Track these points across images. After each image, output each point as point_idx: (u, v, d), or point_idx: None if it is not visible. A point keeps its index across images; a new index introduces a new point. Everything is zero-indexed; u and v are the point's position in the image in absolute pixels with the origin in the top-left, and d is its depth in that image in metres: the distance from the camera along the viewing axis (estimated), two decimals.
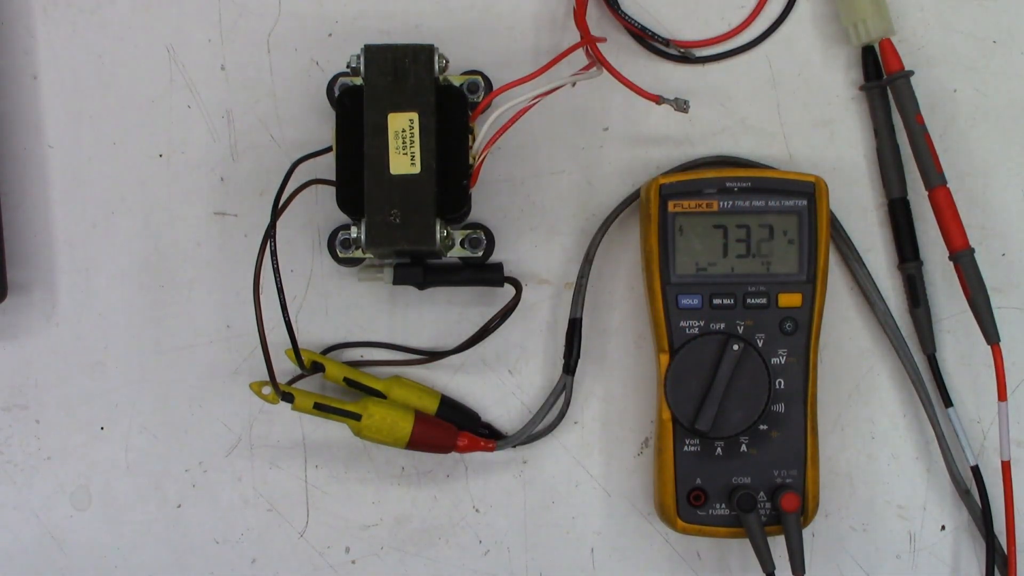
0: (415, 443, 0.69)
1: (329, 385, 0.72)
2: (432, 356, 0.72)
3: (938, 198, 0.70)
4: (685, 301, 0.68)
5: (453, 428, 0.70)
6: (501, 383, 0.72)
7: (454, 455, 0.72)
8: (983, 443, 0.72)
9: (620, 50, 0.72)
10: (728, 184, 0.68)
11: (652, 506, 0.72)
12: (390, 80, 0.64)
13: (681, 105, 0.68)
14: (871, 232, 0.72)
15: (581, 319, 0.70)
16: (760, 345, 0.68)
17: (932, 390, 0.72)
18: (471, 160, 0.66)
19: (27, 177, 0.72)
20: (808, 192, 0.68)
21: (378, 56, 0.64)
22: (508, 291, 0.70)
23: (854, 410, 0.72)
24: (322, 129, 0.72)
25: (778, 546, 0.68)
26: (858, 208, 0.72)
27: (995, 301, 0.70)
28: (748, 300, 0.68)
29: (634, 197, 0.71)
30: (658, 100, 0.68)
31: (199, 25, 0.72)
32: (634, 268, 0.72)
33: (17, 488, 0.72)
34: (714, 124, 0.72)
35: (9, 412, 0.72)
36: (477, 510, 0.73)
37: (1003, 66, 0.73)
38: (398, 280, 0.69)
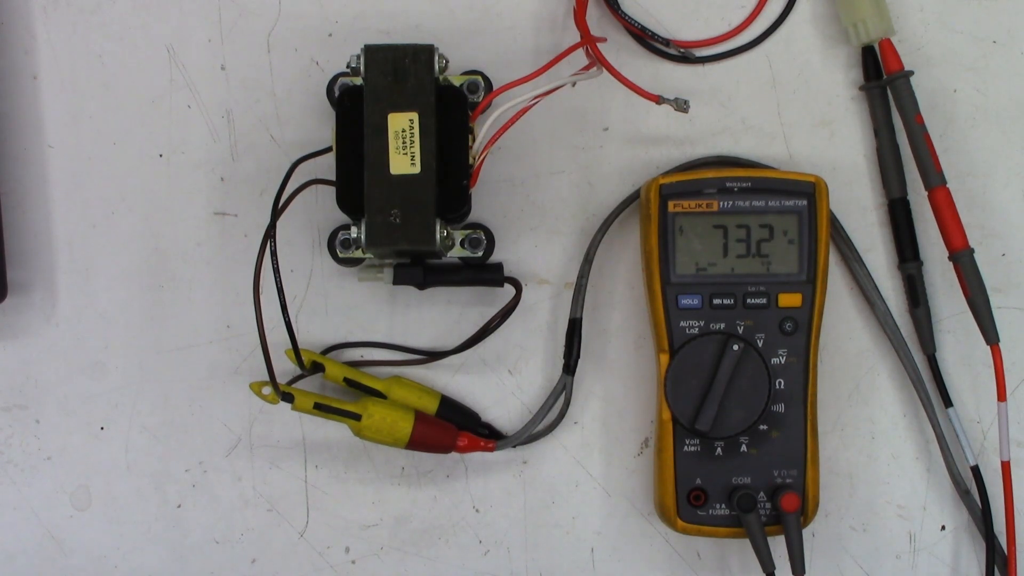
0: (415, 443, 0.69)
1: (329, 385, 0.72)
2: (432, 356, 0.72)
3: (938, 198, 0.70)
4: (685, 301, 0.68)
5: (453, 428, 0.70)
6: (501, 383, 0.72)
7: (454, 455, 0.72)
8: (983, 443, 0.72)
9: (620, 50, 0.72)
10: (728, 184, 0.68)
11: (652, 506, 0.72)
12: (390, 80, 0.64)
13: (681, 105, 0.68)
14: (871, 232, 0.72)
15: (581, 319, 0.70)
16: (760, 345, 0.68)
17: (932, 390, 0.72)
18: (471, 160, 0.66)
19: (27, 177, 0.72)
20: (808, 192, 0.68)
21: (378, 56, 0.64)
22: (508, 291, 0.70)
23: (854, 410, 0.72)
24: (322, 129, 0.72)
25: (778, 546, 0.68)
26: (858, 208, 0.72)
27: (995, 301, 0.70)
28: (748, 300, 0.68)
29: (634, 197, 0.71)
30: (658, 100, 0.68)
31: (199, 25, 0.72)
32: (634, 268, 0.72)
33: (17, 488, 0.72)
34: (714, 124, 0.72)
35: (9, 412, 0.72)
36: (477, 510, 0.73)
37: (1003, 66, 0.73)
38: (398, 280, 0.69)
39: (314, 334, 0.72)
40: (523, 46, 0.72)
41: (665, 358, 0.68)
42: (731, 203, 0.68)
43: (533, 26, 0.72)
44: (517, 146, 0.72)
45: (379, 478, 0.72)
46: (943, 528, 0.73)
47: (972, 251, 0.70)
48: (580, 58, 0.68)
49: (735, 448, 0.68)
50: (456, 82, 0.68)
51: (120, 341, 0.72)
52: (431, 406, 0.71)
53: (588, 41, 0.68)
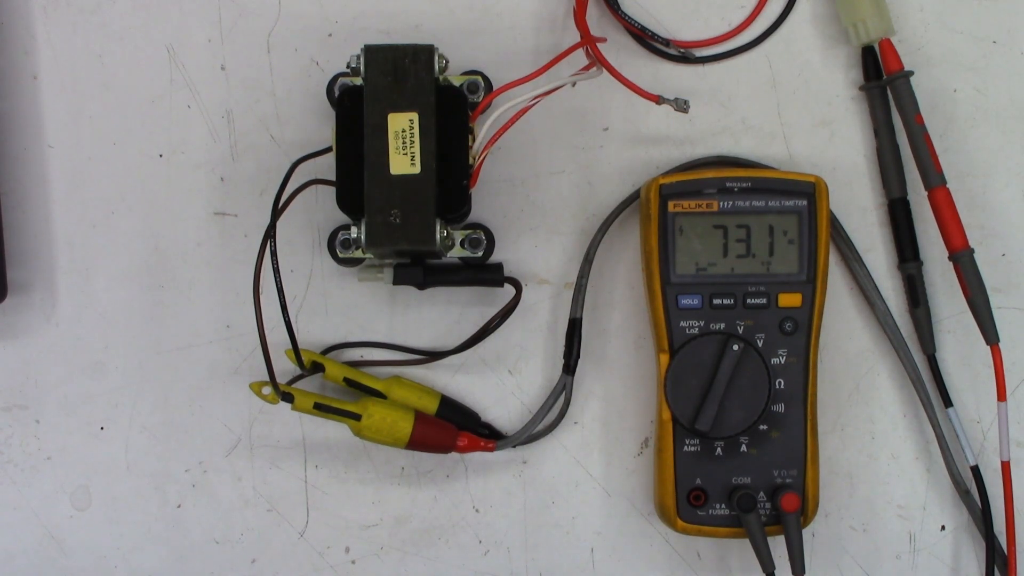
0: (415, 443, 0.69)
1: (329, 385, 0.72)
2: (432, 356, 0.72)
3: (938, 198, 0.70)
4: (685, 301, 0.68)
5: (453, 428, 0.70)
6: (501, 383, 0.72)
7: (454, 455, 0.72)
8: (983, 443, 0.72)
9: (620, 50, 0.72)
10: (728, 184, 0.68)
11: (652, 506, 0.72)
12: (390, 80, 0.64)
13: (681, 105, 0.68)
14: (871, 232, 0.72)
15: (581, 319, 0.70)
16: (760, 345, 0.68)
17: (932, 390, 0.72)
18: (471, 160, 0.66)
19: (27, 177, 0.72)
20: (808, 192, 0.68)
21: (378, 56, 0.64)
22: (508, 291, 0.70)
23: (854, 410, 0.72)
24: (322, 129, 0.72)
25: (778, 546, 0.68)
26: (858, 208, 0.72)
27: (995, 301, 0.70)
28: (748, 300, 0.68)
29: (634, 197, 0.71)
30: (658, 100, 0.68)
31: (199, 25, 0.72)
32: (634, 268, 0.72)
33: (17, 488, 0.72)
34: (714, 124, 0.72)
35: (9, 412, 0.72)
36: (477, 510, 0.73)
37: (1003, 66, 0.73)
38: (398, 280, 0.69)
39: (314, 334, 0.72)
40: (523, 46, 0.72)
41: (665, 358, 0.68)
42: (731, 203, 0.68)
43: (533, 26, 0.72)
44: (517, 146, 0.72)
45: (379, 478, 0.72)
46: (943, 528, 0.73)
47: (972, 251, 0.70)
48: (580, 58, 0.68)
49: (735, 448, 0.68)
50: (456, 82, 0.68)
51: (120, 341, 0.72)
52: (431, 406, 0.71)
53: (588, 41, 0.68)
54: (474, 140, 0.66)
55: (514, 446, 0.71)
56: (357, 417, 0.68)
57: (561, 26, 0.72)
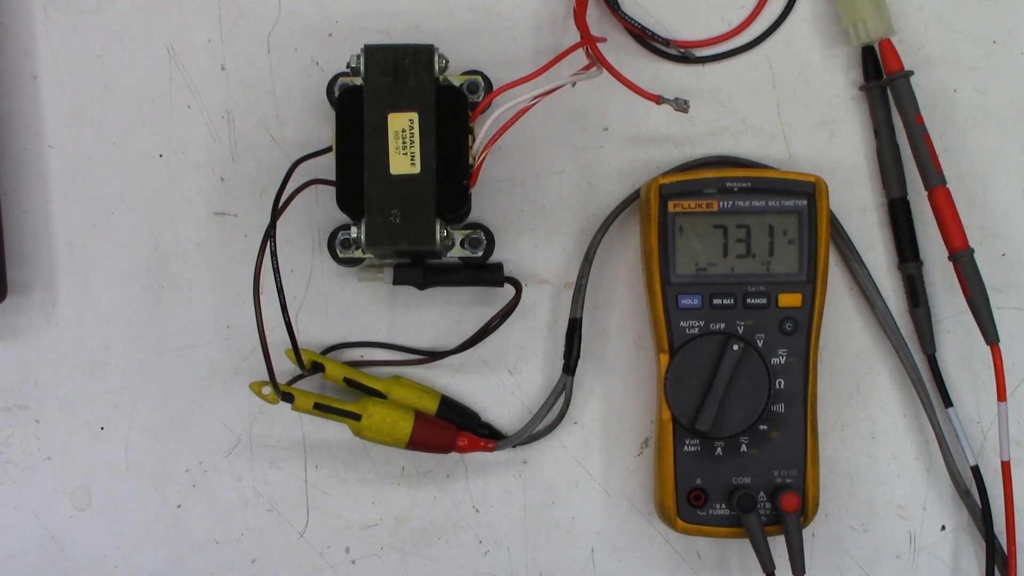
0: (415, 443, 0.69)
1: (329, 385, 0.72)
2: (432, 356, 0.72)
3: (938, 198, 0.70)
4: (685, 301, 0.68)
5: (453, 428, 0.70)
6: (501, 383, 0.72)
7: (454, 455, 0.72)
8: (983, 443, 0.72)
9: (620, 50, 0.72)
10: (728, 184, 0.68)
11: (652, 506, 0.72)
12: (390, 80, 0.64)
13: (681, 105, 0.68)
14: (871, 232, 0.72)
15: (581, 319, 0.70)
16: (760, 345, 0.68)
17: (932, 390, 0.72)
18: (471, 160, 0.66)
19: (27, 177, 0.72)
20: (808, 192, 0.68)
21: (378, 56, 0.64)
22: (508, 291, 0.70)
23: (854, 410, 0.72)
24: (322, 129, 0.72)
25: (778, 546, 0.68)
26: (858, 208, 0.72)
27: (995, 301, 0.70)
28: (748, 300, 0.68)
29: (634, 197, 0.71)
30: (658, 100, 0.68)
31: (199, 25, 0.72)
32: (634, 268, 0.72)
33: (17, 488, 0.72)
34: (714, 124, 0.72)
35: (9, 412, 0.72)
36: (477, 510, 0.73)
37: (1003, 66, 0.73)
38: (398, 280, 0.69)
39: (314, 334, 0.72)
40: (523, 46, 0.72)
41: (665, 358, 0.68)
42: (731, 203, 0.68)
43: (533, 26, 0.72)
44: (517, 146, 0.72)
45: (379, 478, 0.72)
46: (943, 528, 0.73)
47: (972, 251, 0.70)
48: (580, 58, 0.68)
49: (735, 448, 0.68)
50: (456, 82, 0.68)
51: (120, 341, 0.72)
52: (431, 406, 0.71)
53: (588, 41, 0.68)
54: (474, 140, 0.66)
55: (514, 446, 0.71)
56: (357, 417, 0.68)
57: (561, 26, 0.72)
